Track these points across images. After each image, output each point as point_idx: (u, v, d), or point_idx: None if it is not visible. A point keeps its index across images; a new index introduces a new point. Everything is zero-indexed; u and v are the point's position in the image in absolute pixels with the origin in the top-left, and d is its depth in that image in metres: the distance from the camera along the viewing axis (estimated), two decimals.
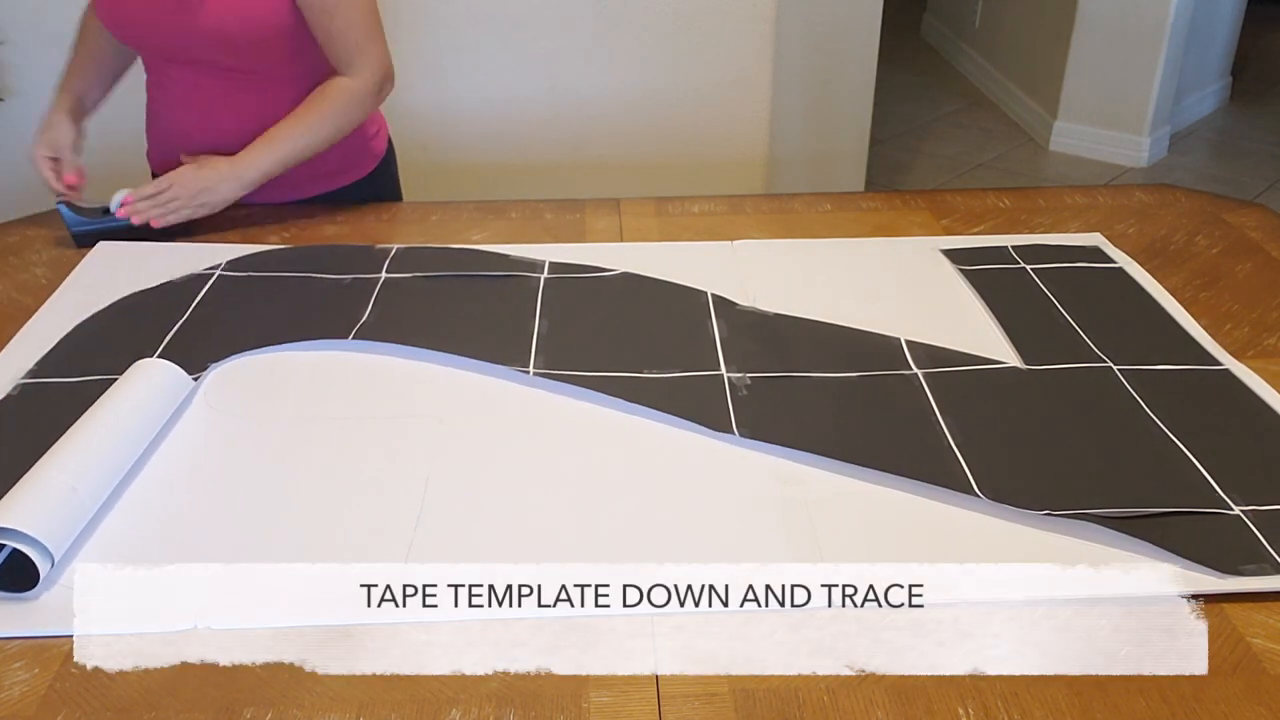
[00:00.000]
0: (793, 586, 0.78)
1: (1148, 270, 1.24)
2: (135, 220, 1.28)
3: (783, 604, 0.77)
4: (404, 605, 0.77)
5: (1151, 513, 0.84)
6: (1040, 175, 3.54)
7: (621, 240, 1.32)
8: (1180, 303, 1.17)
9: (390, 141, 1.54)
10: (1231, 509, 0.85)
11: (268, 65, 1.31)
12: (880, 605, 0.77)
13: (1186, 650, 0.73)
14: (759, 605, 0.77)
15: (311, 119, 1.30)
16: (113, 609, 0.76)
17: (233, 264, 1.24)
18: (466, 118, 2.35)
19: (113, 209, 1.32)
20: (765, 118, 2.38)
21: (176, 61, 1.32)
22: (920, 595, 0.78)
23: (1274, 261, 1.27)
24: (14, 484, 0.88)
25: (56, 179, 1.33)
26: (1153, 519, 0.84)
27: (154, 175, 1.46)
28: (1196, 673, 0.72)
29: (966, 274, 1.22)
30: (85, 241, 1.31)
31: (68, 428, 0.94)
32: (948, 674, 0.72)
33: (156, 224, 1.28)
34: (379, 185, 1.50)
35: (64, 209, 1.30)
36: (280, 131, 1.29)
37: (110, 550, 0.81)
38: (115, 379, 1.01)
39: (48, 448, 0.92)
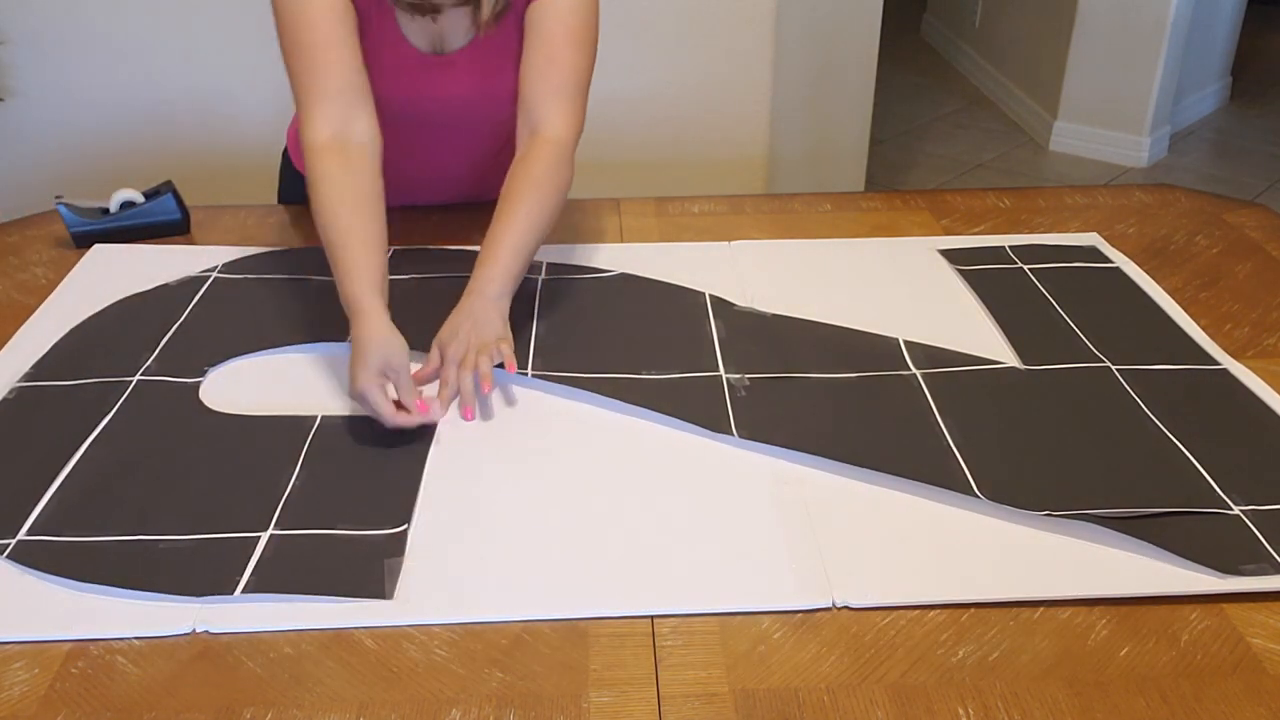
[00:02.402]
0: (793, 586, 0.78)
1: (1148, 270, 1.24)
2: (471, 414, 0.98)
3: (783, 605, 0.77)
4: (403, 605, 0.77)
5: (1151, 513, 0.84)
6: (1040, 175, 3.54)
7: (621, 240, 1.32)
8: (1180, 303, 1.17)
9: None
10: (1231, 509, 0.85)
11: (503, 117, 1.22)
12: (879, 605, 0.77)
13: (1186, 650, 0.73)
14: (759, 605, 0.77)
15: (534, 199, 1.09)
16: (112, 613, 0.76)
17: (228, 266, 1.24)
18: None
19: (112, 210, 1.32)
20: (765, 118, 2.37)
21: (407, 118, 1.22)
22: (919, 595, 0.78)
23: (1274, 261, 1.27)
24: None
25: (395, 409, 0.95)
26: (1153, 519, 0.84)
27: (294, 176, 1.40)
28: (1196, 673, 0.72)
29: (964, 274, 1.22)
30: (84, 242, 1.31)
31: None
32: (948, 674, 0.72)
33: (471, 415, 0.98)
34: None
35: (64, 209, 1.30)
36: (507, 226, 1.07)
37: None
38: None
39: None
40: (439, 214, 1.39)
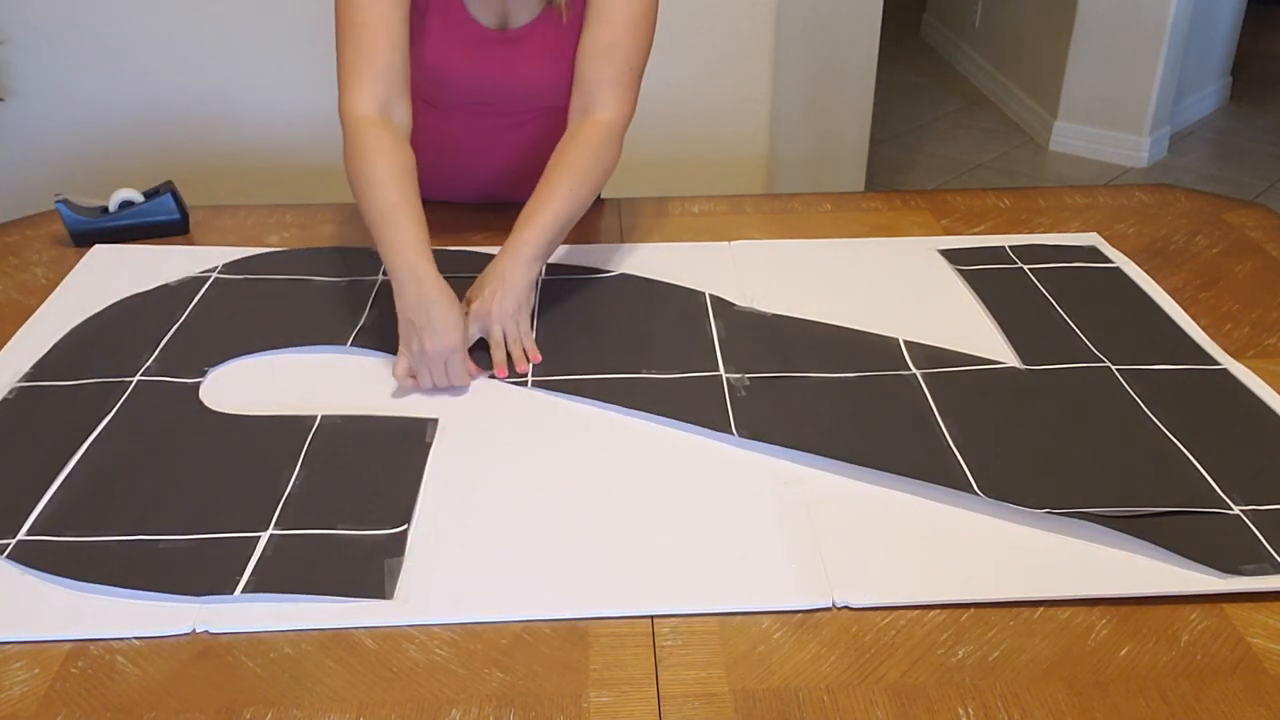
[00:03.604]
0: (793, 586, 0.78)
1: (1148, 270, 1.24)
2: (500, 374, 1.04)
3: (783, 604, 0.77)
4: (403, 605, 0.77)
5: (1151, 512, 0.84)
6: (1040, 175, 3.54)
7: (621, 240, 1.32)
8: (1180, 303, 1.17)
9: None
10: (1231, 509, 0.85)
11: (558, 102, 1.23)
12: (879, 605, 0.77)
13: (1186, 650, 0.73)
14: (759, 605, 0.77)
15: (575, 172, 1.11)
16: (112, 613, 0.76)
17: (229, 267, 1.24)
18: None
19: (112, 209, 1.32)
20: (765, 118, 2.37)
21: (469, 103, 1.25)
22: (919, 595, 0.78)
23: (1274, 261, 1.27)
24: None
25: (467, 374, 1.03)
26: (1153, 519, 0.84)
27: None
28: (1196, 673, 0.72)
29: (964, 274, 1.22)
30: (84, 241, 1.31)
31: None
32: (948, 674, 0.72)
33: (523, 367, 1.04)
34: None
35: (63, 208, 1.30)
36: (549, 193, 1.10)
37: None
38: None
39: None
40: (439, 213, 1.39)
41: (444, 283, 1.01)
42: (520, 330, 1.06)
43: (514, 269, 1.06)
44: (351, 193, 1.07)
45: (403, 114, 1.12)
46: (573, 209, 1.11)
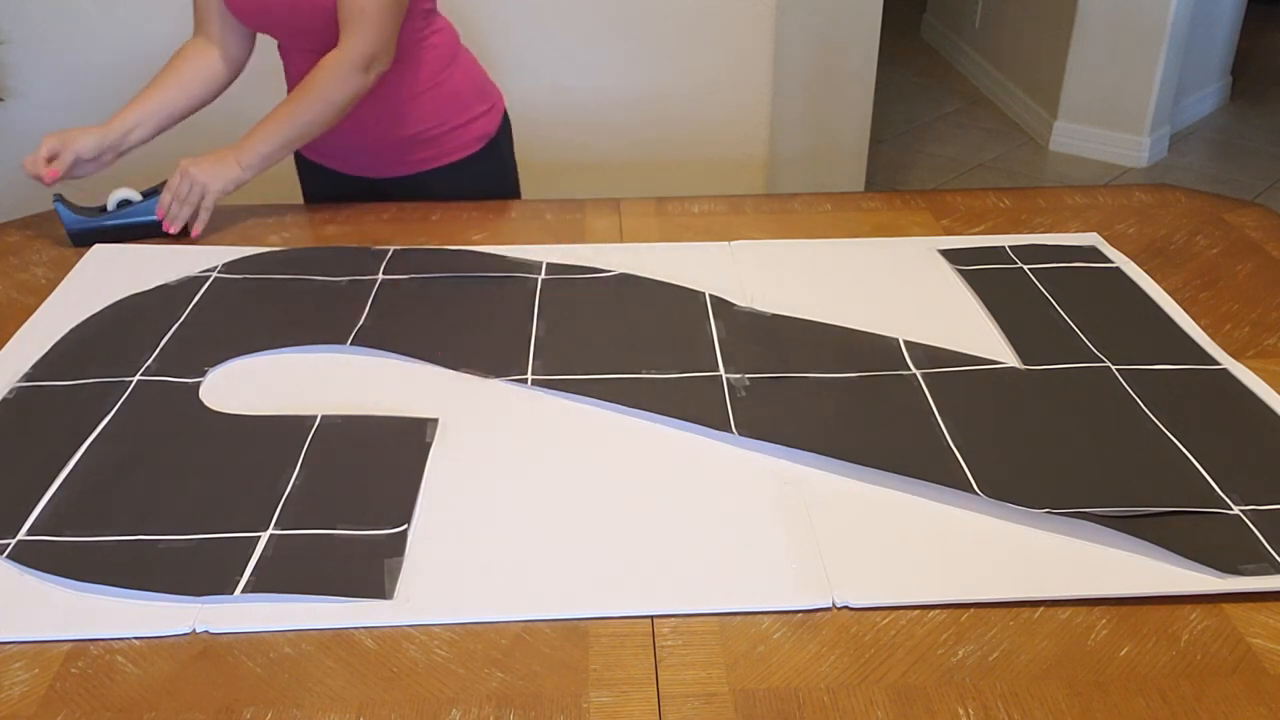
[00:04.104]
0: (793, 586, 0.78)
1: (1148, 270, 1.24)
2: (173, 228, 1.32)
3: (783, 605, 0.77)
4: (403, 605, 0.77)
5: (1151, 512, 0.84)
6: (1040, 175, 3.54)
7: (621, 240, 1.32)
8: (1180, 303, 1.17)
9: (506, 124, 1.54)
10: (1231, 509, 0.85)
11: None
12: (879, 605, 0.77)
13: (1186, 650, 0.73)
14: (759, 605, 0.77)
15: (301, 98, 1.30)
16: (112, 613, 0.76)
17: (229, 266, 1.24)
18: None
19: (110, 208, 1.32)
20: (765, 118, 2.37)
21: (298, 49, 1.38)
22: (919, 595, 0.78)
23: (1274, 261, 1.27)
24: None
25: (35, 164, 1.30)
26: (1152, 518, 0.84)
27: (301, 163, 1.54)
28: (1196, 673, 0.72)
29: (964, 274, 1.22)
30: (82, 241, 1.31)
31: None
32: (948, 674, 0.72)
33: (173, 228, 1.32)
34: (486, 169, 1.50)
35: (61, 207, 1.30)
36: (275, 113, 1.31)
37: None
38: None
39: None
40: (439, 213, 1.39)
41: (110, 130, 1.33)
42: (198, 204, 1.31)
43: (231, 161, 1.30)
44: None
45: (228, 46, 1.40)
46: (292, 132, 1.31)
